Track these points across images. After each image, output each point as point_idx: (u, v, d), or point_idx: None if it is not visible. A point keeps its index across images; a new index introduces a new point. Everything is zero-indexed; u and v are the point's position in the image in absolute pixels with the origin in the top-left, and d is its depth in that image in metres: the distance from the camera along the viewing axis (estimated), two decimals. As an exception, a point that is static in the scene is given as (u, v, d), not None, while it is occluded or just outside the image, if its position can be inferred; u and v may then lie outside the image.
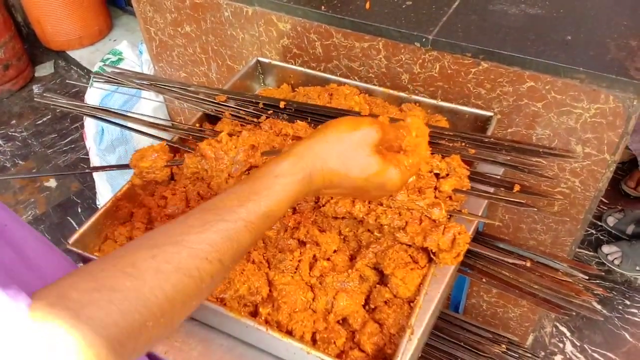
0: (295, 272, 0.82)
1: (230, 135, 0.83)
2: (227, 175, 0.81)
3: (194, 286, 0.47)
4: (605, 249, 2.04)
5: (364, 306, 0.81)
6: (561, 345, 1.83)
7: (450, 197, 0.83)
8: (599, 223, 2.16)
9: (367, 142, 0.60)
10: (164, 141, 0.94)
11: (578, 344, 1.83)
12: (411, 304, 0.78)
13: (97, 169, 0.99)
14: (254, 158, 0.82)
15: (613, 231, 2.12)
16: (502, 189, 0.84)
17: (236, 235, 0.51)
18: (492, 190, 0.86)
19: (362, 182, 0.60)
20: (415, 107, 1.07)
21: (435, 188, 0.82)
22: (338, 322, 0.79)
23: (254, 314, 0.80)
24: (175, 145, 1.01)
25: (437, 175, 0.84)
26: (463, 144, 0.90)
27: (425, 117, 1.06)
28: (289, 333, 0.75)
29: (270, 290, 0.80)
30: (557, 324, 1.88)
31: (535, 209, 0.81)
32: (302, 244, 0.86)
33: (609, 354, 1.80)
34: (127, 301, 0.43)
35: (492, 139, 0.91)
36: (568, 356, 1.80)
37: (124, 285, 0.44)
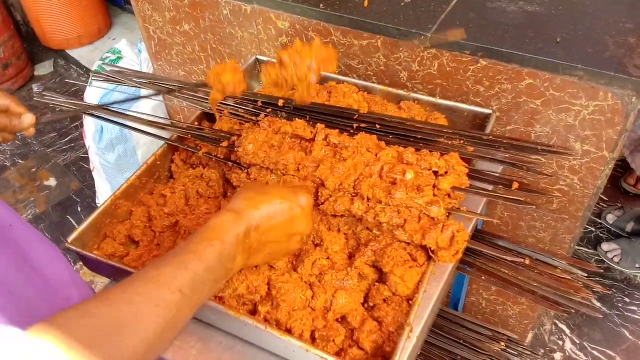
0: (294, 271, 0.82)
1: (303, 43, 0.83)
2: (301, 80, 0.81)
3: (162, 316, 0.50)
4: (605, 246, 2.04)
5: (363, 304, 0.81)
6: (561, 342, 1.83)
7: (449, 195, 0.83)
8: (599, 221, 2.16)
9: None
10: (234, 60, 0.93)
11: (578, 342, 1.83)
12: (410, 302, 0.78)
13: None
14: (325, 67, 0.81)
15: (613, 229, 2.12)
16: (501, 186, 0.85)
17: (193, 264, 0.56)
18: (491, 188, 0.86)
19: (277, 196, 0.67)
20: (414, 105, 1.07)
21: (434, 186, 0.82)
22: (337, 320, 0.79)
23: (253, 312, 0.80)
24: (175, 144, 1.01)
25: (435, 173, 0.84)
26: (462, 141, 0.90)
27: (424, 115, 1.06)
28: (288, 331, 0.75)
29: (269, 289, 0.80)
30: (557, 322, 1.88)
31: (534, 207, 0.81)
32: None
33: (608, 351, 1.80)
34: (108, 345, 0.45)
35: (490, 137, 0.91)
36: (568, 354, 1.80)
37: (105, 330, 0.46)
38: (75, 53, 3.31)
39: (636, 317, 1.88)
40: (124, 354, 0.45)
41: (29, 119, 0.83)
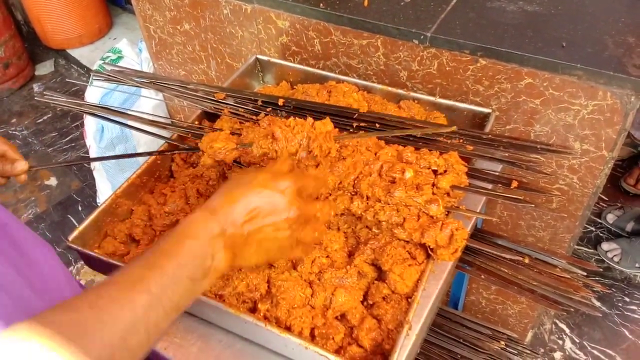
0: (294, 269, 0.82)
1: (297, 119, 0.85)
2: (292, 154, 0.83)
3: (129, 317, 0.49)
4: (605, 246, 2.04)
5: (362, 302, 0.81)
6: (560, 342, 1.83)
7: (448, 194, 0.83)
8: (599, 220, 2.16)
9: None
10: (227, 132, 0.96)
11: (577, 341, 1.83)
12: (409, 300, 0.78)
13: (163, 152, 1.00)
14: (316, 142, 0.84)
15: (612, 228, 2.12)
16: (500, 185, 0.85)
17: (159, 264, 0.54)
18: (490, 186, 0.86)
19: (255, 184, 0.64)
20: (414, 104, 1.07)
21: (433, 185, 0.83)
22: (336, 318, 0.79)
23: (253, 310, 0.80)
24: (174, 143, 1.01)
25: (435, 172, 0.85)
26: (461, 140, 0.90)
27: (423, 114, 1.06)
28: (288, 329, 0.76)
29: (269, 287, 0.81)
30: (557, 321, 1.89)
31: (533, 205, 0.81)
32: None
33: (608, 350, 1.80)
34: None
35: (489, 136, 0.91)
36: (567, 353, 1.80)
37: (60, 319, 0.46)
38: (75, 52, 3.31)
39: (636, 316, 1.88)
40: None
41: (21, 165, 0.86)
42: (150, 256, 0.55)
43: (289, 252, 0.69)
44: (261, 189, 0.64)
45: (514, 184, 0.82)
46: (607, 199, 2.24)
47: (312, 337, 0.77)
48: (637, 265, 1.98)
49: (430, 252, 0.80)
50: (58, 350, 0.43)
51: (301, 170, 0.80)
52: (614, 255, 2.01)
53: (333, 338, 0.76)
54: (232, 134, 0.91)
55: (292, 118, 0.83)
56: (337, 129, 0.89)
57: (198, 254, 0.57)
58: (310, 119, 0.82)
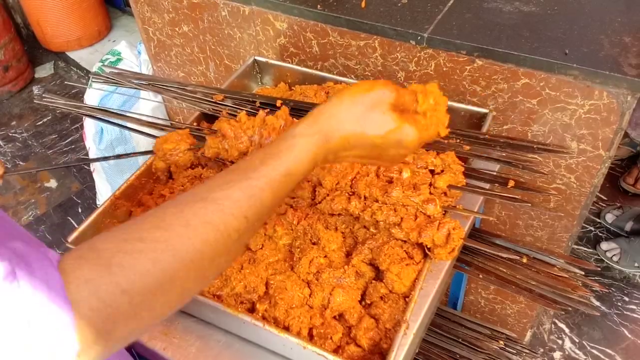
0: (291, 270, 0.83)
1: (247, 114, 0.84)
2: (243, 153, 0.82)
3: (221, 241, 0.49)
4: (604, 245, 2.04)
5: (360, 302, 0.81)
6: (560, 341, 1.84)
7: (445, 193, 0.83)
8: (598, 220, 2.17)
9: (382, 101, 0.60)
10: (186, 128, 0.95)
11: (577, 340, 1.84)
12: (406, 299, 0.79)
13: (119, 156, 1.00)
14: (270, 138, 0.83)
15: (611, 228, 2.12)
16: (497, 185, 0.85)
17: (259, 192, 0.53)
18: (487, 186, 0.87)
19: (379, 140, 0.60)
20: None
21: (430, 184, 0.83)
22: (334, 317, 0.80)
23: (251, 310, 0.81)
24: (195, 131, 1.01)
25: (432, 171, 0.85)
26: (458, 140, 0.90)
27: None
28: (286, 329, 0.76)
29: (267, 287, 0.81)
30: (556, 321, 1.89)
31: (530, 205, 0.81)
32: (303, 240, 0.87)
33: (607, 350, 1.80)
34: (156, 251, 0.44)
35: (486, 136, 0.91)
36: (567, 352, 1.81)
37: (153, 236, 0.45)
38: (75, 55, 3.32)
39: (635, 315, 1.88)
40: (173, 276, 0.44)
41: None
42: (253, 179, 0.53)
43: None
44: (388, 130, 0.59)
45: (511, 183, 0.83)
46: (606, 198, 2.24)
47: (311, 337, 0.77)
48: (636, 264, 1.98)
49: (427, 251, 0.81)
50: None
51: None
52: (613, 255, 2.01)
53: (331, 338, 0.76)
54: (194, 134, 0.90)
55: (242, 112, 0.82)
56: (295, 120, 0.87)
57: (296, 177, 0.57)
58: (262, 113, 0.80)
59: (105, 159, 1.14)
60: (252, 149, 0.80)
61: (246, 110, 1.03)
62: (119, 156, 1.07)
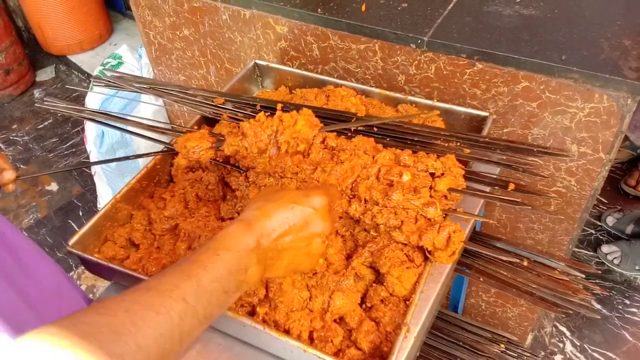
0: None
1: (268, 115, 0.86)
2: (263, 151, 0.84)
3: (163, 323, 0.49)
4: (605, 248, 2.04)
5: (360, 305, 0.81)
6: (561, 345, 1.83)
7: (446, 196, 0.83)
8: (598, 223, 2.17)
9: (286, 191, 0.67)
10: (205, 127, 0.96)
11: (578, 344, 1.83)
12: (407, 302, 0.78)
13: (139, 156, 1.01)
14: (283, 136, 0.85)
15: (612, 231, 2.12)
16: (498, 188, 0.85)
17: (194, 274, 0.54)
18: (487, 189, 0.87)
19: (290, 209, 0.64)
20: (411, 108, 1.08)
21: (431, 187, 0.83)
22: (335, 320, 0.80)
23: (252, 313, 0.81)
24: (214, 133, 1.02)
25: (432, 174, 0.85)
26: (458, 144, 0.91)
27: (421, 118, 1.07)
28: (287, 332, 0.76)
29: (267, 291, 0.81)
30: (557, 324, 1.88)
31: (530, 208, 0.81)
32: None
33: (609, 353, 1.80)
34: (99, 333, 0.44)
35: (486, 139, 0.91)
36: (568, 356, 1.80)
37: (94, 321, 0.46)
38: (76, 58, 3.33)
39: (636, 318, 1.88)
40: None
41: (9, 174, 0.89)
42: (186, 266, 0.54)
43: (317, 264, 0.70)
44: (293, 205, 0.65)
45: (511, 186, 0.83)
46: (606, 201, 2.24)
47: (311, 340, 0.77)
48: (637, 267, 1.98)
49: (428, 254, 0.81)
50: (89, 355, 0.42)
51: (326, 185, 0.78)
52: (614, 258, 2.01)
53: (332, 341, 0.76)
54: (212, 134, 0.91)
55: (261, 113, 0.83)
56: (319, 123, 0.88)
57: (233, 267, 0.57)
58: (279, 112, 0.81)
59: (114, 160, 1.14)
60: (270, 147, 0.80)
61: (247, 114, 1.03)
62: (134, 156, 1.07)
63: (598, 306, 1.91)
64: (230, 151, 0.82)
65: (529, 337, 1.63)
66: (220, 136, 0.90)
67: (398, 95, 1.09)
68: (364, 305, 0.82)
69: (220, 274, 0.56)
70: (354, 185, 0.85)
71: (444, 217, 0.82)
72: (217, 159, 1.00)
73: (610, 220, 2.13)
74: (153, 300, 0.49)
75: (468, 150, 0.89)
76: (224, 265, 0.57)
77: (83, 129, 2.32)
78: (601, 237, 2.13)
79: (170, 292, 0.51)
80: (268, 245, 0.62)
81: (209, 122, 1.11)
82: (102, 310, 0.47)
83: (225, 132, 0.85)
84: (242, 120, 1.03)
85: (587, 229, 2.16)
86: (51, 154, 2.78)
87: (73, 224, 2.40)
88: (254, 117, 1.02)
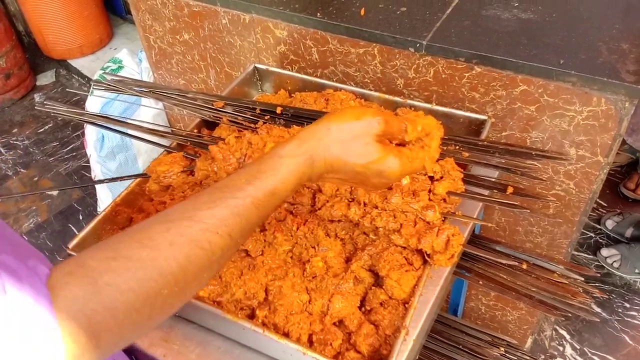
0: (293, 276, 0.83)
1: (237, 137, 0.86)
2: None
3: (205, 258, 0.50)
4: (604, 252, 2.04)
5: (359, 308, 0.82)
6: (561, 348, 1.83)
7: (445, 200, 0.84)
8: (598, 226, 2.17)
9: (368, 132, 0.61)
10: (176, 151, 0.97)
11: (578, 347, 1.83)
12: (406, 305, 0.79)
13: (113, 180, 1.02)
14: (251, 159, 0.84)
15: (612, 234, 2.12)
16: (496, 191, 0.86)
17: (244, 211, 0.54)
18: (486, 193, 0.87)
19: (360, 169, 0.62)
20: (409, 111, 1.08)
21: (430, 191, 0.84)
22: (334, 324, 0.80)
23: (251, 316, 0.81)
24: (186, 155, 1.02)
25: (431, 178, 0.86)
26: (457, 147, 0.91)
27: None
28: (286, 335, 0.76)
29: (266, 294, 0.81)
30: (557, 327, 1.88)
31: (529, 211, 0.82)
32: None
33: (608, 356, 1.80)
34: (142, 269, 0.46)
35: (485, 142, 0.92)
36: (568, 359, 1.80)
37: (140, 255, 0.46)
38: (76, 63, 3.34)
39: (636, 322, 1.88)
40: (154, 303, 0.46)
41: None
42: (239, 198, 0.55)
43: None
44: (369, 164, 0.62)
45: (510, 189, 0.83)
46: (606, 205, 2.24)
47: (310, 343, 0.77)
48: (636, 271, 1.98)
49: (427, 257, 0.81)
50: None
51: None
52: (614, 261, 2.01)
53: (331, 344, 0.76)
54: (187, 156, 0.91)
55: (232, 136, 0.83)
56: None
57: (281, 197, 0.58)
58: (248, 135, 0.81)
59: (100, 182, 1.16)
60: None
61: (246, 117, 1.04)
62: (113, 179, 1.08)
63: (598, 309, 1.91)
64: (201, 175, 0.83)
65: (529, 341, 1.63)
66: (193, 159, 0.90)
67: (397, 98, 1.10)
68: (363, 309, 0.82)
69: (266, 205, 0.56)
70: (353, 188, 0.85)
71: (443, 221, 0.82)
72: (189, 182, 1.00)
73: (609, 224, 2.13)
74: (199, 235, 0.50)
75: (467, 154, 0.89)
76: (274, 198, 0.57)
77: (83, 133, 2.32)
78: (601, 241, 2.13)
79: (217, 228, 0.51)
80: (324, 176, 0.63)
81: (209, 125, 1.11)
82: (145, 241, 0.48)
83: (199, 157, 0.86)
84: (241, 124, 1.03)
85: (586, 232, 2.16)
86: (51, 158, 2.78)
87: (73, 228, 2.40)
88: (254, 120, 1.02)
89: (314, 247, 0.87)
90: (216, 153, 0.80)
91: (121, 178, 1.08)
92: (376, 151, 0.61)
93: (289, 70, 1.38)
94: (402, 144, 0.66)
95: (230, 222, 0.53)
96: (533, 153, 0.88)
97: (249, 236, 0.56)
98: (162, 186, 0.89)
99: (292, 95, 1.20)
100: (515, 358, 1.20)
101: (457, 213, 0.83)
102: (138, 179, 1.01)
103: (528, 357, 1.22)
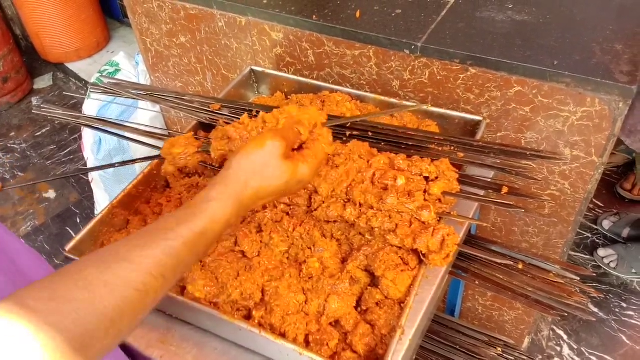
0: (290, 277, 0.83)
1: (250, 117, 0.86)
2: None
3: (139, 299, 0.52)
4: (601, 252, 2.05)
5: (355, 308, 0.82)
6: (558, 348, 1.84)
7: (440, 200, 0.84)
8: (595, 226, 2.18)
9: (274, 155, 0.69)
10: (189, 132, 0.97)
11: (575, 347, 1.84)
12: (402, 305, 0.79)
13: (124, 163, 1.03)
14: None
15: (609, 234, 2.13)
16: (492, 191, 0.86)
17: (176, 252, 0.57)
18: (482, 193, 0.87)
19: (283, 187, 0.70)
20: (406, 112, 1.09)
21: (425, 191, 0.84)
22: (330, 324, 0.80)
23: (248, 317, 0.81)
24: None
25: (426, 178, 0.86)
26: (452, 148, 0.91)
27: (416, 122, 1.08)
28: (282, 335, 0.77)
29: (262, 295, 0.81)
30: (554, 327, 1.89)
31: (524, 211, 0.82)
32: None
33: (606, 356, 1.80)
34: (79, 311, 0.46)
35: (480, 143, 0.92)
36: (565, 359, 1.81)
37: (75, 296, 0.47)
38: (74, 66, 3.34)
39: (633, 322, 1.89)
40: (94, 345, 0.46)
41: None
42: (170, 240, 0.57)
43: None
44: (287, 182, 0.70)
45: (504, 189, 0.84)
46: (602, 205, 2.25)
47: (307, 343, 0.77)
48: (633, 271, 1.99)
49: (422, 257, 0.81)
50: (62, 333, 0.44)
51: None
52: (611, 262, 2.02)
53: (327, 344, 0.77)
54: (197, 138, 0.92)
55: (245, 115, 0.84)
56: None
57: (213, 238, 0.62)
58: (262, 114, 0.82)
59: (109, 166, 1.15)
60: None
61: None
62: (123, 163, 1.08)
63: (595, 309, 1.91)
64: (217, 155, 0.83)
65: (526, 341, 1.64)
66: (206, 139, 0.91)
67: (393, 100, 1.10)
68: (359, 309, 0.82)
69: (197, 247, 0.60)
70: (348, 189, 0.85)
71: (438, 221, 0.82)
72: (214, 164, 1.00)
73: (606, 224, 2.14)
74: (134, 277, 0.52)
75: (462, 154, 0.90)
76: (205, 240, 0.61)
77: (80, 136, 2.33)
78: (597, 241, 2.14)
79: (151, 270, 0.53)
80: (249, 206, 0.69)
81: (206, 128, 1.12)
82: (80, 282, 0.49)
83: (213, 136, 0.86)
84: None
85: (583, 232, 2.17)
86: (49, 162, 2.78)
87: (70, 231, 2.40)
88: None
89: (310, 248, 0.87)
90: (232, 133, 0.81)
91: (134, 161, 1.08)
92: (287, 168, 0.69)
93: (286, 72, 1.38)
94: (300, 145, 0.76)
95: (163, 263, 0.55)
96: (528, 153, 0.88)
97: (182, 276, 0.59)
98: (177, 168, 0.89)
99: (289, 97, 1.20)
100: (513, 358, 1.21)
101: (452, 213, 0.84)
102: (155, 161, 1.04)
103: (525, 357, 1.22)
